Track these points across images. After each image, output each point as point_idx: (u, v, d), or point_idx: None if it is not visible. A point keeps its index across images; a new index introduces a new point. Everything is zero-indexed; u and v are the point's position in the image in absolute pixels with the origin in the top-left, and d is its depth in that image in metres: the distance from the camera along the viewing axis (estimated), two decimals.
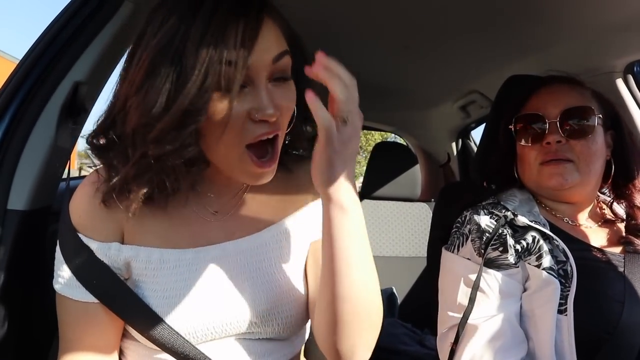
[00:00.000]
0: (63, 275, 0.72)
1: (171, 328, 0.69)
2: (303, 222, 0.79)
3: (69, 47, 0.92)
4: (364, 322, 0.66)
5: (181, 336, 0.70)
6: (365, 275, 0.65)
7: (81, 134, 0.97)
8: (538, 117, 0.94)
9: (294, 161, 0.82)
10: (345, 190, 0.62)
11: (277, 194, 0.80)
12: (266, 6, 0.64)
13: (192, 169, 0.67)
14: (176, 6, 0.61)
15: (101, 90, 1.06)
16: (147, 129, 0.59)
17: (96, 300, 0.71)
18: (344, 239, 0.63)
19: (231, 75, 0.58)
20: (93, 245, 0.71)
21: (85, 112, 0.95)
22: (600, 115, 0.94)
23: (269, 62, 0.62)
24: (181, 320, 0.70)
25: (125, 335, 0.76)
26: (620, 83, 1.33)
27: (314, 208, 0.80)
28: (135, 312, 0.70)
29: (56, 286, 0.73)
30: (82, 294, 0.71)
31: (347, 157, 0.60)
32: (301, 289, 0.78)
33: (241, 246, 0.75)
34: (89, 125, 0.78)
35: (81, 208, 0.72)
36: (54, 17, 0.95)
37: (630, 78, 1.33)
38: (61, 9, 0.95)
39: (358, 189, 2.46)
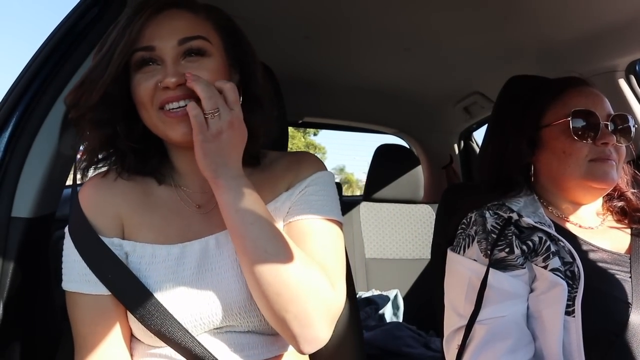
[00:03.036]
0: (75, 272, 0.76)
1: (174, 318, 0.73)
2: (279, 209, 0.82)
3: (73, 54, 0.93)
4: (288, 291, 0.68)
5: (182, 326, 0.73)
6: (268, 247, 0.69)
7: None
8: (593, 115, 0.94)
9: (269, 158, 0.89)
10: (224, 173, 0.71)
11: (258, 187, 0.82)
12: (177, 4, 0.77)
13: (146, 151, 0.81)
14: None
15: None
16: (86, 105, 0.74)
17: (106, 293, 0.75)
18: (235, 216, 0.71)
19: (116, 58, 0.71)
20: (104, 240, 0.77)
21: None
22: (637, 125, 0.98)
23: (173, 44, 0.73)
24: (173, 312, 0.73)
25: None
26: (622, 82, 1.32)
27: (287, 195, 0.83)
28: (143, 304, 0.73)
29: (67, 285, 0.77)
30: (92, 287, 0.75)
31: (223, 146, 0.70)
32: None
33: (224, 239, 0.79)
34: None
35: (87, 207, 0.79)
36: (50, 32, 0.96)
37: (632, 77, 1.33)
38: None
39: (360, 192, 2.47)
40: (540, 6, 1.16)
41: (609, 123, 0.94)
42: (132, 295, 0.74)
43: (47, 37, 0.96)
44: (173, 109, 0.73)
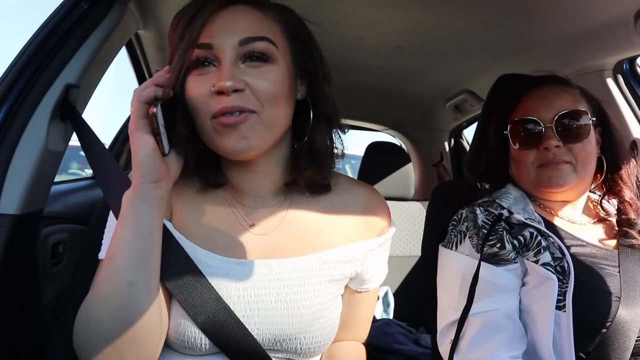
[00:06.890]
0: None
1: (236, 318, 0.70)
2: (348, 259, 0.79)
3: (60, 50, 0.91)
4: None
5: (245, 328, 0.70)
6: None
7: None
8: (533, 121, 0.94)
9: (342, 183, 0.83)
10: None
11: (323, 222, 0.79)
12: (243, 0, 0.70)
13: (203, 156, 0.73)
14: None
15: (92, 93, 1.05)
16: None
17: None
18: None
19: (179, 57, 0.66)
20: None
21: (77, 115, 0.95)
22: (594, 118, 0.95)
23: (233, 44, 0.67)
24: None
25: None
26: (610, 81, 1.34)
27: (362, 250, 0.80)
28: (201, 296, 0.69)
29: (102, 254, 0.72)
30: None
31: None
32: (328, 320, 0.77)
33: (285, 267, 0.74)
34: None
35: None
36: (44, 20, 0.95)
37: (620, 76, 1.35)
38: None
39: None
40: (529, 5, 1.17)
41: (553, 126, 0.92)
42: (183, 283, 0.68)
43: (34, 32, 0.95)
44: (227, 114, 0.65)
